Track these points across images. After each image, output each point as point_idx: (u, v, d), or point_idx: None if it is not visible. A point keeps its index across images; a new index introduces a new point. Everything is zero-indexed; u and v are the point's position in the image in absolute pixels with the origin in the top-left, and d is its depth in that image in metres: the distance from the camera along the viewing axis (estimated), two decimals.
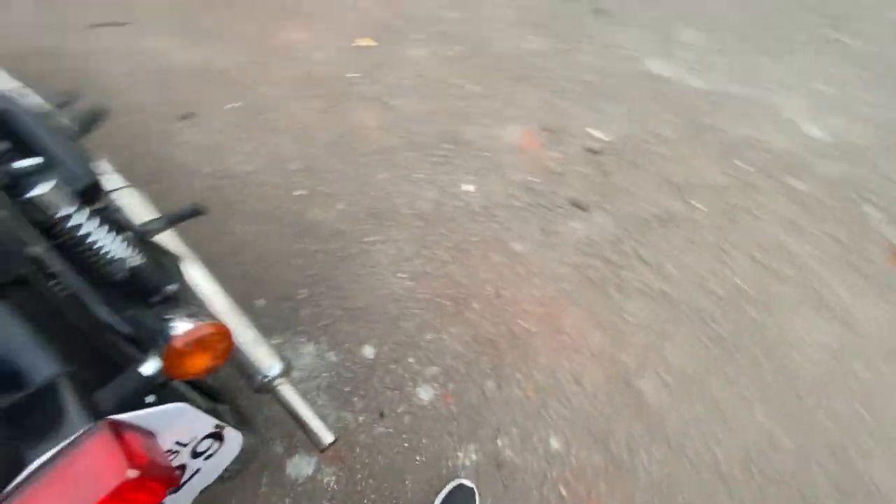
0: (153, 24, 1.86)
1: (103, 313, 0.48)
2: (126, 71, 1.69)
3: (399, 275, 1.41)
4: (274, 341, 1.26)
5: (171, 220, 0.92)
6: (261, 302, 1.29)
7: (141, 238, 0.86)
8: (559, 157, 1.80)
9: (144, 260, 0.76)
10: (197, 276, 0.94)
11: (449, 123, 1.81)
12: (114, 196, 1.02)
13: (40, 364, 0.39)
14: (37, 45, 1.69)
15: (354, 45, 2.01)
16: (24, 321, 0.40)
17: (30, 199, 0.59)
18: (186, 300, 0.82)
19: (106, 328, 0.48)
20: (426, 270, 1.43)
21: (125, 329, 0.49)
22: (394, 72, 1.94)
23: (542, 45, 2.20)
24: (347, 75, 1.90)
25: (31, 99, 1.10)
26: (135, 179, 1.46)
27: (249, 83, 1.78)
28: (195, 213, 0.95)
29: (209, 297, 0.91)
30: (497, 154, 1.76)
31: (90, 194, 0.69)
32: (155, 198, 1.43)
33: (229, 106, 1.69)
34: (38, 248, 0.47)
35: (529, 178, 1.71)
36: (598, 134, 1.91)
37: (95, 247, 0.68)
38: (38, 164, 0.60)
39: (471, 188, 1.65)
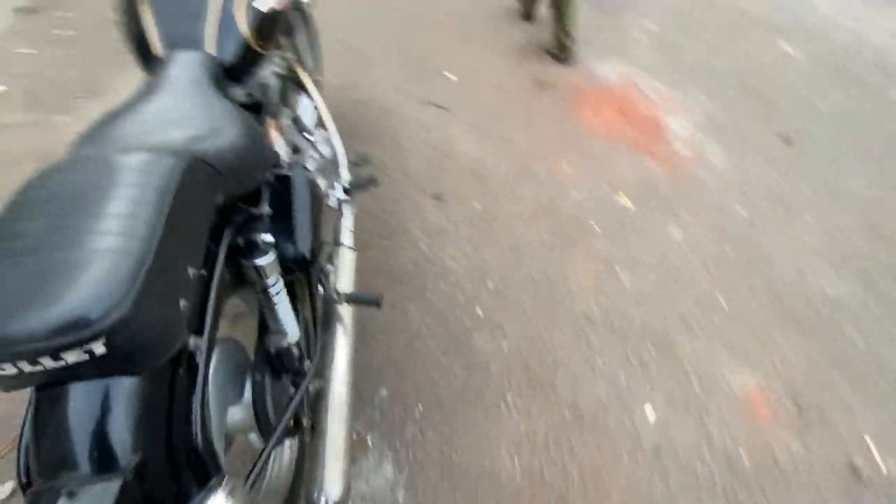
0: (466, 116, 2.27)
1: (199, 425, 0.54)
2: (418, 143, 2.09)
3: (514, 458, 1.26)
4: (367, 436, 1.27)
5: (350, 300, 1.03)
6: (383, 393, 1.34)
7: (318, 311, 0.98)
8: (797, 450, 1.34)
9: (299, 338, 0.85)
10: (341, 352, 1.00)
11: (668, 326, 1.59)
12: (336, 251, 1.20)
13: (113, 455, 0.44)
14: (378, 101, 2.25)
15: (613, 198, 2.00)
16: (137, 404, 0.47)
17: (249, 265, 0.73)
18: (310, 386, 0.88)
19: (193, 436, 0.53)
20: (544, 474, 1.24)
21: (203, 450, 0.54)
22: (639, 241, 1.84)
23: (847, 294, 1.75)
24: (590, 223, 1.89)
25: (337, 147, 1.41)
26: (372, 230, 1.73)
27: (499, 191, 1.96)
28: (373, 303, 1.04)
29: (337, 377, 0.96)
30: (709, 394, 1.44)
31: (296, 266, 0.82)
32: (374, 252, 1.67)
33: (472, 204, 1.89)
34: (198, 341, 0.56)
35: (737, 451, 1.33)
36: (877, 454, 1.36)
37: (273, 313, 0.80)
38: (270, 242, 0.74)
39: (652, 415, 1.38)
